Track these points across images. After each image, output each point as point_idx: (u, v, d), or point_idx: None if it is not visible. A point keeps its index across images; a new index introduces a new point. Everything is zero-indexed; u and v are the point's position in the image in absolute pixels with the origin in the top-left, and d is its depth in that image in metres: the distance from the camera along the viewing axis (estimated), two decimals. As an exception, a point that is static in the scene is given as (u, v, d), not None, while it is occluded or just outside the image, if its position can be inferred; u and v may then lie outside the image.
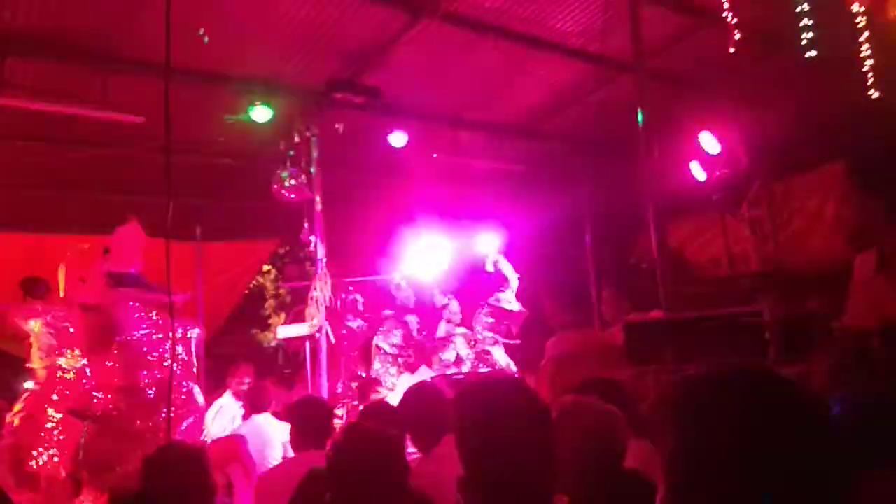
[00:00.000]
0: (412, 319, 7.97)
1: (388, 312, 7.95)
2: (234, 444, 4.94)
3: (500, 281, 8.01)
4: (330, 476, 2.13)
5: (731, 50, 4.61)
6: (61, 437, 5.17)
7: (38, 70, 5.44)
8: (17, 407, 5.40)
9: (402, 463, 2.14)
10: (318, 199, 6.61)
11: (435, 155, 7.63)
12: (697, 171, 6.97)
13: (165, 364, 5.09)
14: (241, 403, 6.07)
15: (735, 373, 1.06)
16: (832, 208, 6.68)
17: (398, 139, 6.93)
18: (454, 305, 8.03)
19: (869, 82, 5.03)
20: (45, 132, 6.28)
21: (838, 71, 5.18)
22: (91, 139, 6.34)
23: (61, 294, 5.71)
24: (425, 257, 7.96)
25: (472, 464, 1.50)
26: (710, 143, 6.66)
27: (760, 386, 1.02)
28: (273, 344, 8.30)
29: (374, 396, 6.78)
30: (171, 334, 4.75)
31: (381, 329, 7.77)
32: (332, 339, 6.73)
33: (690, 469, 1.01)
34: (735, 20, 4.65)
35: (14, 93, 5.26)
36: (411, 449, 2.89)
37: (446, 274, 8.15)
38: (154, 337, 5.29)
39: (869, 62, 4.97)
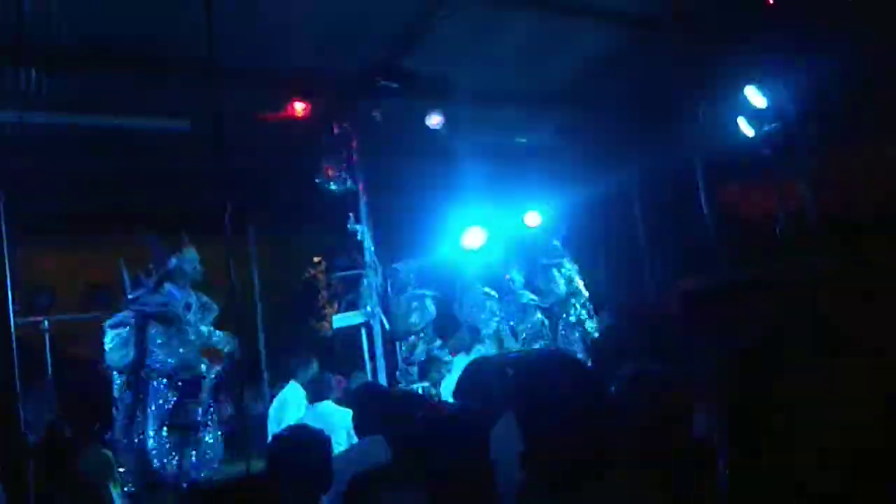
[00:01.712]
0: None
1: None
2: None
3: None
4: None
5: (770, 1, 4.45)
6: None
7: (84, 84, 5.61)
8: None
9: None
10: (361, 187, 6.68)
11: (476, 134, 7.61)
12: (745, 127, 6.77)
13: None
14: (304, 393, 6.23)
15: (795, 339, 1.05)
16: (891, 154, 6.41)
17: (437, 121, 6.92)
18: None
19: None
20: (95, 142, 6.48)
21: (887, 11, 4.95)
22: (139, 146, 6.53)
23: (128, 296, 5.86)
24: (472, 237, 7.99)
25: (532, 439, 1.53)
26: (756, 96, 6.46)
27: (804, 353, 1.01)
28: (329, 333, 8.45)
29: (433, 376, 6.89)
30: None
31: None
32: (386, 326, 6.82)
33: (745, 436, 1.01)
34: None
35: (62, 108, 5.44)
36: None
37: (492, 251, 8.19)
38: None
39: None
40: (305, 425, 3.01)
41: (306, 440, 2.71)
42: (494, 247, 8.28)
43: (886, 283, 3.02)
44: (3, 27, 4.39)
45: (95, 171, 6.76)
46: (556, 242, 8.12)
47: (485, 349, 7.44)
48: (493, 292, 8.06)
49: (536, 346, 7.67)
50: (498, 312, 8.02)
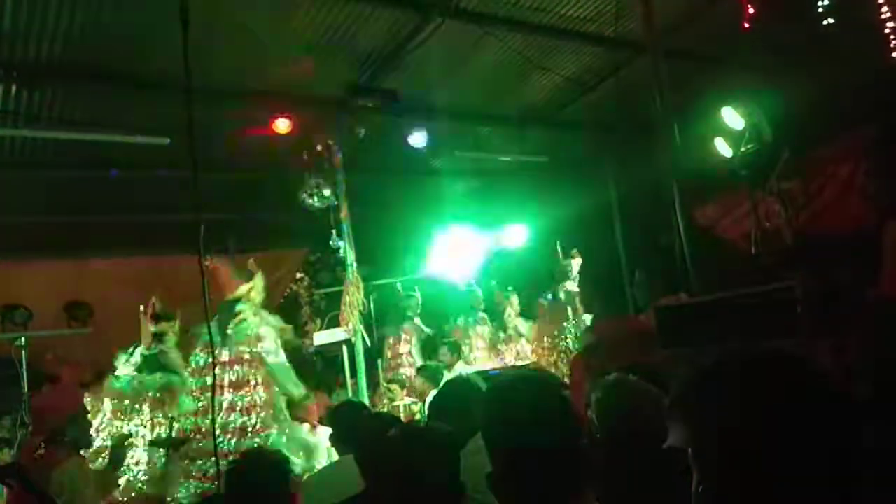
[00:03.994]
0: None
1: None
2: None
3: None
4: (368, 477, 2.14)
5: (746, 25, 4.54)
6: None
7: (66, 100, 5.60)
8: None
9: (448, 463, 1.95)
10: (343, 204, 6.69)
11: (457, 152, 7.66)
12: (723, 147, 6.87)
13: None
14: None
15: (743, 360, 1.06)
16: (863, 175, 6.53)
17: (418, 139, 6.97)
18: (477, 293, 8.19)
19: (892, 45, 4.91)
20: (76, 159, 6.45)
21: (859, 35, 5.06)
22: (121, 162, 6.51)
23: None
24: (454, 253, 8.02)
25: (499, 462, 1.53)
26: (732, 118, 6.56)
27: (767, 373, 1.02)
28: (311, 350, 8.42)
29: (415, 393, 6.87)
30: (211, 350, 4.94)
31: None
32: (368, 343, 6.81)
33: (707, 459, 1.02)
34: (747, -6, 4.58)
35: (44, 124, 5.43)
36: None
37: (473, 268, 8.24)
38: None
39: (890, 24, 4.85)
40: (262, 449, 2.98)
41: (262, 464, 2.68)
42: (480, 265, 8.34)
43: (854, 302, 3.07)
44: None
45: (74, 186, 6.74)
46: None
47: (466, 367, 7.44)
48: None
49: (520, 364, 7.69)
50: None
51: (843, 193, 6.77)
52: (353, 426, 3.39)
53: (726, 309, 3.51)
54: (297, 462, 5.22)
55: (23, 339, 6.72)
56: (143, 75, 5.43)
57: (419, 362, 7.93)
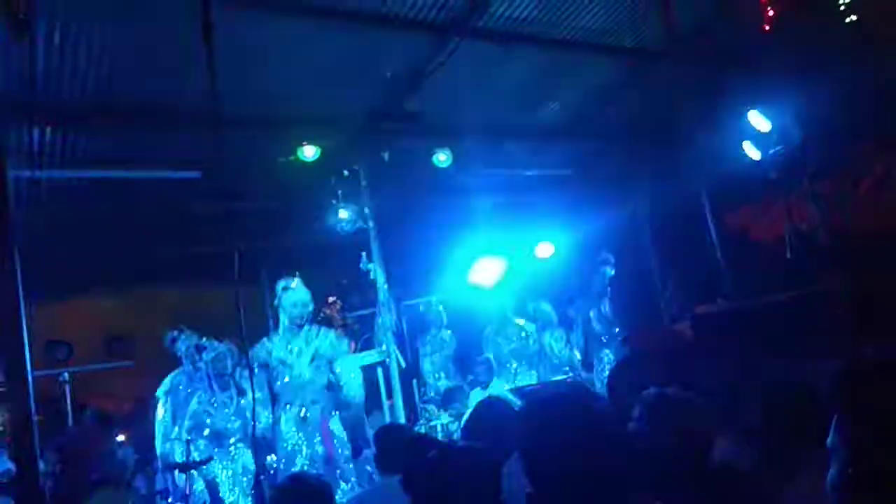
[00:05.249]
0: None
1: None
2: None
3: None
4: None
5: (766, 27, 4.51)
6: None
7: (97, 139, 5.74)
8: None
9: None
10: (371, 226, 6.74)
11: (482, 168, 7.68)
12: (751, 151, 6.78)
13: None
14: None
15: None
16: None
17: (443, 158, 7.01)
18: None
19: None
20: (109, 195, 6.59)
21: (882, 31, 4.98)
22: (153, 197, 6.65)
23: None
24: (483, 269, 8.00)
25: (538, 481, 1.51)
26: (759, 120, 6.47)
27: None
28: (346, 372, 8.46)
29: (452, 412, 6.85)
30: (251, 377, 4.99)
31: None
32: (402, 364, 6.82)
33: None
34: (767, -3, 4.55)
35: (74, 163, 5.57)
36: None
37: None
38: None
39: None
40: (306, 473, 3.00)
41: (307, 490, 2.69)
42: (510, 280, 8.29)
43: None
44: (15, 86, 4.52)
45: (109, 223, 6.88)
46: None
47: (501, 383, 7.40)
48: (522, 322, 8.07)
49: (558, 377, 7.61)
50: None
51: (878, 192, 6.61)
52: (395, 448, 3.40)
53: (763, 315, 3.45)
54: None
55: (66, 374, 6.89)
56: (173, 110, 5.56)
57: (445, 380, 7.93)
